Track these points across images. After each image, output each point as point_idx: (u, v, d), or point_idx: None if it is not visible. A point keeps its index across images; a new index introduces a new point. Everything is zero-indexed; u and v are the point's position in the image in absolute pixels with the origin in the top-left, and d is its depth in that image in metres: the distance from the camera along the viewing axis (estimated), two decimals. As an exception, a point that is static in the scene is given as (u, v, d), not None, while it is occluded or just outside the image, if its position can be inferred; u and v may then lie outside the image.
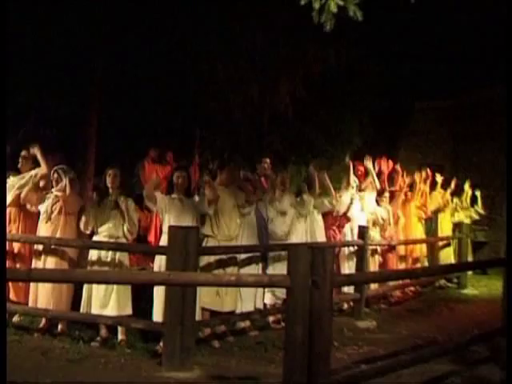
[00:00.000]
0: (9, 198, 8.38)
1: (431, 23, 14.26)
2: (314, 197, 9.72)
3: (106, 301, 7.52)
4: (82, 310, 7.66)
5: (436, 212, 14.08)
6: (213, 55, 12.08)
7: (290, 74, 13.04)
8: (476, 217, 15.38)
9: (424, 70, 17.36)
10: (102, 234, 7.72)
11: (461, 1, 11.35)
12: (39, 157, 8.23)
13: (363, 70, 15.07)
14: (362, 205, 10.95)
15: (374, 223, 11.09)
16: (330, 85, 14.33)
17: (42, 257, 8.00)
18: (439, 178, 14.10)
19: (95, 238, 7.83)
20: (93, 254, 7.70)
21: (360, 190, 10.99)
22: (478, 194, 15.31)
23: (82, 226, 7.80)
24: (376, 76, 15.61)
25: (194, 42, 11.73)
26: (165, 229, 7.60)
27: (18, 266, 8.32)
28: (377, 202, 11.39)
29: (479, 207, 15.40)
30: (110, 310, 7.53)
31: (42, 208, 8.12)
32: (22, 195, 8.31)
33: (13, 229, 8.48)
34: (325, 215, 10.20)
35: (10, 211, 8.50)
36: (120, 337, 7.62)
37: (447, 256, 14.27)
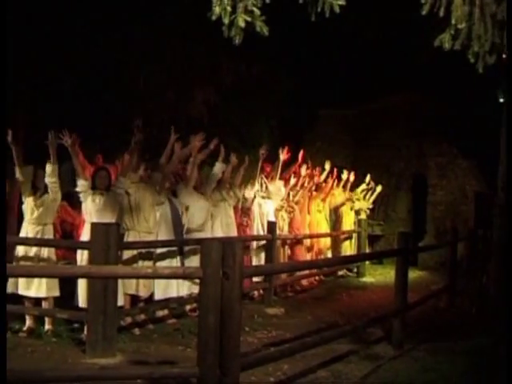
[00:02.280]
0: None
1: (337, 37, 14.45)
2: (224, 192, 9.74)
3: (32, 282, 7.35)
4: (8, 291, 7.44)
5: (337, 208, 14.33)
6: (133, 64, 11.94)
7: (204, 84, 13.04)
8: (367, 209, 15.76)
9: (329, 80, 17.63)
10: (31, 222, 7.57)
11: (367, 12, 11.52)
12: None
13: (272, 79, 15.21)
14: (270, 197, 11.01)
15: (283, 208, 11.21)
16: (242, 93, 14.40)
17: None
18: (344, 176, 14.38)
19: (24, 225, 7.67)
20: (20, 250, 7.51)
21: (266, 186, 11.05)
22: (378, 189, 15.68)
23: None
24: (284, 85, 15.79)
25: (115, 51, 11.56)
26: (87, 221, 7.52)
27: None
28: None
29: (370, 200, 15.82)
30: (36, 292, 7.38)
31: None
32: None
33: None
34: (235, 211, 10.22)
35: None
36: (46, 326, 7.46)
37: (348, 248, 14.56)
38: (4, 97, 4.80)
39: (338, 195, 14.30)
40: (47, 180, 7.53)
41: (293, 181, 11.80)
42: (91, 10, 10.83)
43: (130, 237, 8.03)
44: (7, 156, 7.58)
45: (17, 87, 10.05)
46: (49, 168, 7.47)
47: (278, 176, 11.19)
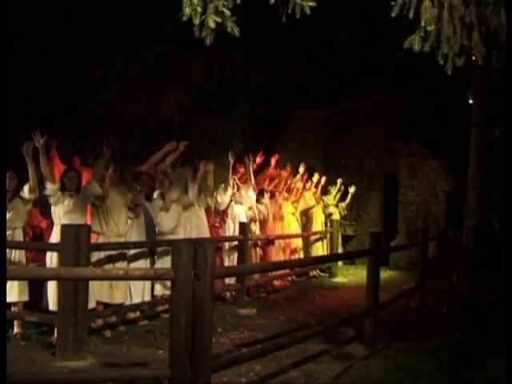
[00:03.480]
0: None
1: (309, 37, 14.52)
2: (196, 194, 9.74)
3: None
4: None
5: (308, 209, 14.38)
6: (103, 65, 11.89)
7: (176, 85, 13.02)
8: (341, 212, 15.85)
9: (301, 81, 17.70)
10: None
11: (339, 13, 11.61)
12: None
13: (244, 80, 15.24)
14: (241, 201, 11.03)
15: (252, 219, 11.22)
16: (214, 94, 14.41)
17: None
18: (315, 178, 14.45)
19: None
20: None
21: (239, 188, 11.07)
22: (351, 190, 15.74)
23: None
24: (256, 86, 15.82)
25: (90, 51, 11.51)
26: (56, 223, 7.45)
27: None
28: (257, 200, 11.53)
29: (344, 206, 15.89)
30: (8, 297, 7.25)
31: None
32: None
33: None
34: (206, 212, 10.22)
35: None
36: (15, 330, 7.37)
37: (320, 248, 14.59)
38: (4, 98, 4.72)
39: (310, 199, 14.36)
40: (27, 197, 7.48)
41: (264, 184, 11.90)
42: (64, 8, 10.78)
43: (99, 241, 7.93)
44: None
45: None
46: (30, 186, 7.43)
47: (252, 180, 11.26)
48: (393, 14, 4.78)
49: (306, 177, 14.06)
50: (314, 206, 14.44)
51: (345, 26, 12.87)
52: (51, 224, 8.45)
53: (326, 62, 17.37)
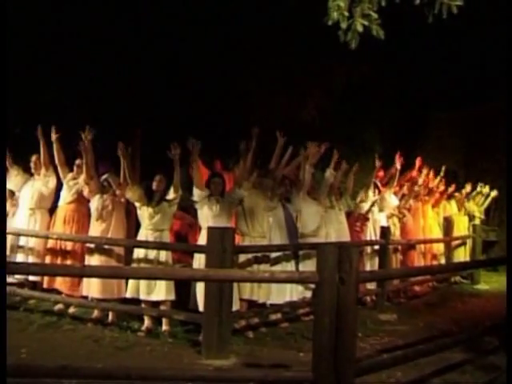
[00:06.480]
0: (69, 197, 8.66)
1: (445, 36, 14.08)
2: (334, 198, 9.71)
3: (152, 287, 7.56)
4: (128, 295, 7.73)
5: (451, 215, 14.00)
6: (246, 69, 12.12)
7: (316, 88, 13.03)
8: (480, 217, 15.29)
9: (439, 82, 17.19)
10: (149, 228, 7.77)
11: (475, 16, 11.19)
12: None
13: (382, 83, 15.01)
14: (382, 206, 10.89)
15: (393, 223, 11.04)
16: (352, 97, 14.30)
17: (94, 254, 8.07)
18: (467, 188, 14.18)
19: (141, 231, 7.90)
20: (139, 252, 7.74)
21: (380, 192, 10.92)
22: (492, 194, 15.16)
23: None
24: (394, 88, 15.54)
25: (224, 56, 11.79)
26: (203, 227, 7.64)
27: (71, 262, 8.40)
28: (399, 204, 11.37)
29: (482, 210, 15.33)
30: (156, 295, 7.59)
31: (93, 206, 8.21)
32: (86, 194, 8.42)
33: (67, 229, 8.58)
34: (347, 216, 10.16)
35: (66, 212, 8.63)
36: (164, 327, 7.66)
37: (461, 254, 14.13)
38: (4, 97, 4.96)
39: (450, 207, 14.00)
40: (172, 197, 7.80)
41: (405, 189, 11.66)
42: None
43: (245, 242, 8.09)
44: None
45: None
46: (174, 185, 7.77)
47: (394, 183, 11.10)
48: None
49: (446, 180, 13.67)
50: (458, 211, 14.06)
51: (489, 25, 12.35)
52: (193, 226, 8.73)
53: (467, 62, 16.74)
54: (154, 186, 7.83)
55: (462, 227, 14.30)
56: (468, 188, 14.45)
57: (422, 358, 6.03)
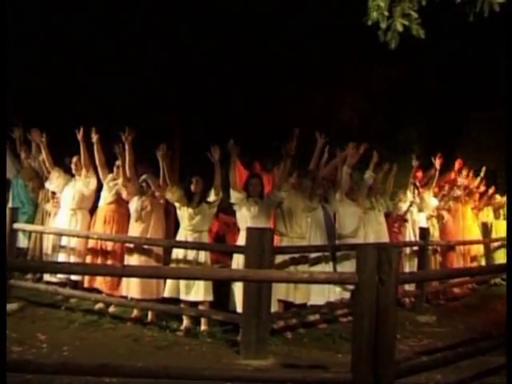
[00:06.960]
0: (110, 198, 8.73)
1: (484, 35, 13.90)
2: (374, 200, 9.67)
3: (190, 287, 7.61)
4: (166, 295, 7.78)
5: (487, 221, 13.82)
6: (284, 71, 12.15)
7: (354, 88, 12.99)
8: None
9: (478, 81, 16.97)
10: (188, 229, 7.81)
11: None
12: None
13: (421, 82, 14.88)
14: (422, 206, 10.80)
15: (434, 219, 10.94)
16: (391, 97, 14.21)
17: (133, 254, 8.14)
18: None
19: (180, 232, 7.95)
20: (178, 252, 7.80)
21: (419, 193, 10.83)
22: None
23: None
24: (432, 88, 15.40)
25: (263, 57, 11.83)
26: (242, 228, 7.67)
27: (111, 262, 8.49)
28: (438, 205, 11.27)
29: None
30: (195, 296, 7.63)
31: (132, 208, 8.29)
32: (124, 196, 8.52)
33: (107, 229, 8.68)
34: (386, 217, 10.09)
35: (106, 213, 8.74)
36: (202, 327, 7.68)
37: (501, 256, 13.91)
38: (4, 96, 4.98)
39: (488, 213, 13.82)
40: (213, 199, 7.82)
41: (445, 189, 11.55)
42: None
43: (283, 242, 8.08)
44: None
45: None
46: (215, 186, 7.79)
47: (433, 184, 11.00)
48: None
49: (485, 182, 13.49)
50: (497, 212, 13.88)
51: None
52: (232, 227, 8.75)
53: (504, 61, 16.48)
54: (192, 187, 7.87)
55: (501, 230, 14.09)
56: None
57: (462, 361, 5.97)
